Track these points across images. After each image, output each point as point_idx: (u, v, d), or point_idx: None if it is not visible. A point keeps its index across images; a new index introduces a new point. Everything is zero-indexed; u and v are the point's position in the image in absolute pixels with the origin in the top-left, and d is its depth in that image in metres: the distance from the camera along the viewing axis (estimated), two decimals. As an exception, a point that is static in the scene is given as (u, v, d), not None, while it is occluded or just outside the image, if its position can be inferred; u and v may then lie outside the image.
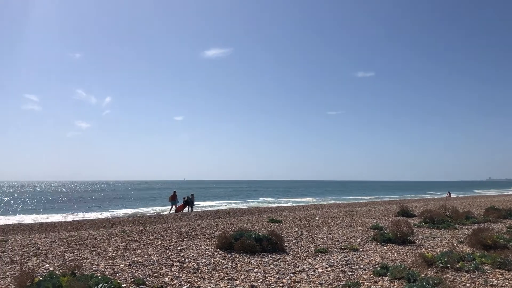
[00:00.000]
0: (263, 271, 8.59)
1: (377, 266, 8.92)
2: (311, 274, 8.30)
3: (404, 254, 10.39)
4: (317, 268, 8.83)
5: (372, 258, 9.96)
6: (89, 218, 32.72)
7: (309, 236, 13.82)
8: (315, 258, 10.01)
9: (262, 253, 10.41)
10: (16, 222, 30.72)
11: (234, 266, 9.00)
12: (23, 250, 11.02)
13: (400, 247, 11.40)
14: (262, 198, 76.33)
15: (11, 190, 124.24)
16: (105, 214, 40.82)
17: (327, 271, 8.59)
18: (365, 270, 8.63)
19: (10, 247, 11.43)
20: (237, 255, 10.15)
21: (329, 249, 11.12)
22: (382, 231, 13.81)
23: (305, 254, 10.60)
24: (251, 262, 9.43)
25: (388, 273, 8.03)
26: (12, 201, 67.97)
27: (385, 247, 11.45)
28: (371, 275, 8.12)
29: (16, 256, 10.19)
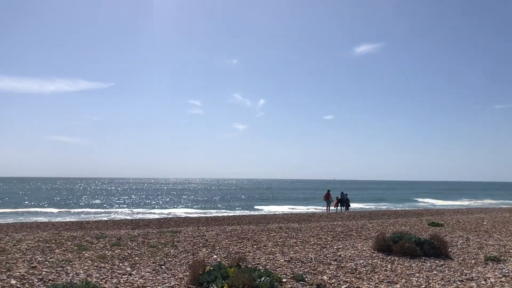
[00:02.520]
0: (426, 276, 8.12)
1: None
2: (482, 284, 7.58)
3: None
4: (488, 278, 8.02)
5: (558, 271, 8.68)
6: (246, 214, 34.77)
7: (476, 242, 12.63)
8: (485, 266, 9.11)
9: (423, 258, 9.84)
10: (186, 215, 34.11)
11: (393, 269, 8.68)
12: (193, 241, 12.21)
13: None
14: (420, 199, 72.19)
15: (172, 186, 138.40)
16: (258, 211, 42.91)
17: (500, 281, 7.75)
18: (549, 284, 7.56)
19: (183, 238, 12.76)
20: (396, 258, 9.78)
21: (502, 258, 10.02)
22: None
23: (472, 261, 9.73)
24: (412, 266, 8.99)
25: None
26: (176, 196, 75.66)
27: None
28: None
29: (188, 246, 11.34)
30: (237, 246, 11.40)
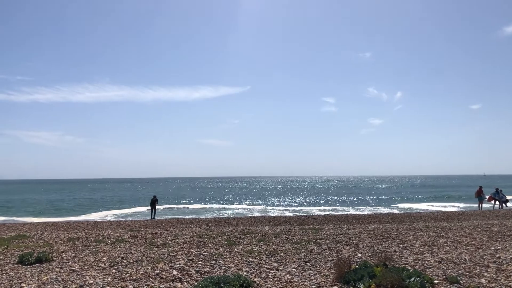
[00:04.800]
0: None
1: None
2: None
3: None
4: None
5: None
6: (386, 212, 33.51)
7: None
8: None
9: None
10: (327, 213, 34.15)
11: None
12: (336, 239, 12.19)
13: None
14: None
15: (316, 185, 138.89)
16: (398, 209, 41.00)
17: None
18: None
19: (325, 235, 12.83)
20: None
21: None
22: None
23: None
24: None
25: None
26: (312, 194, 75.96)
27: None
28: None
29: (331, 244, 11.36)
30: (381, 245, 11.08)
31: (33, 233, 15.65)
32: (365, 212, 34.68)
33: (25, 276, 8.02)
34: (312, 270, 8.20)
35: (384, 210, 39.38)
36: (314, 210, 40.51)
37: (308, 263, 8.87)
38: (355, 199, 59.72)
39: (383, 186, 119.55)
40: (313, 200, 59.29)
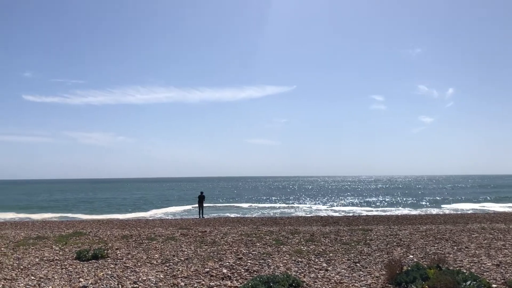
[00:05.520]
0: None
1: None
2: None
3: None
4: None
5: None
6: (436, 213, 32.43)
7: None
8: None
9: None
10: (376, 214, 33.52)
11: None
12: (386, 240, 11.94)
13: None
14: None
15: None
16: (448, 210, 39.55)
17: None
18: None
19: (375, 236, 12.60)
20: None
21: None
22: None
23: None
24: None
25: None
26: (359, 194, 74.53)
27: None
28: None
29: (382, 244, 11.14)
30: (434, 246, 10.75)
31: (88, 231, 16.32)
32: (416, 213, 33.70)
33: (83, 271, 8.39)
34: (362, 271, 8.08)
35: (435, 210, 38.12)
36: (361, 211, 39.71)
37: (358, 264, 8.75)
38: (405, 199, 58.13)
39: (434, 186, 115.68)
40: (360, 200, 58.23)
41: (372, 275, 7.73)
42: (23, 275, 8.14)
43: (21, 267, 8.96)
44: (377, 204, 50.06)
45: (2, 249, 11.46)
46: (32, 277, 7.94)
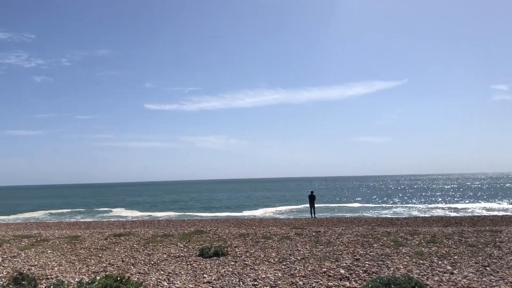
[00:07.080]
0: None
1: None
2: None
3: None
4: None
5: None
6: None
7: None
8: None
9: None
10: (506, 214, 30.62)
11: None
12: (520, 242, 10.86)
13: None
14: None
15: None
16: None
17: None
18: None
19: (506, 238, 11.53)
20: None
21: None
22: None
23: None
24: None
25: None
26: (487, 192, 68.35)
27: None
28: None
29: (515, 247, 10.15)
30: None
31: (208, 229, 17.21)
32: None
33: (206, 268, 8.88)
34: (494, 276, 7.45)
35: None
36: (483, 211, 36.34)
37: (487, 268, 8.08)
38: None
39: None
40: (484, 199, 53.57)
41: (506, 280, 7.09)
42: (154, 270, 8.86)
43: (152, 262, 9.76)
44: (506, 202, 45.62)
45: (135, 245, 12.58)
46: (162, 272, 8.60)
